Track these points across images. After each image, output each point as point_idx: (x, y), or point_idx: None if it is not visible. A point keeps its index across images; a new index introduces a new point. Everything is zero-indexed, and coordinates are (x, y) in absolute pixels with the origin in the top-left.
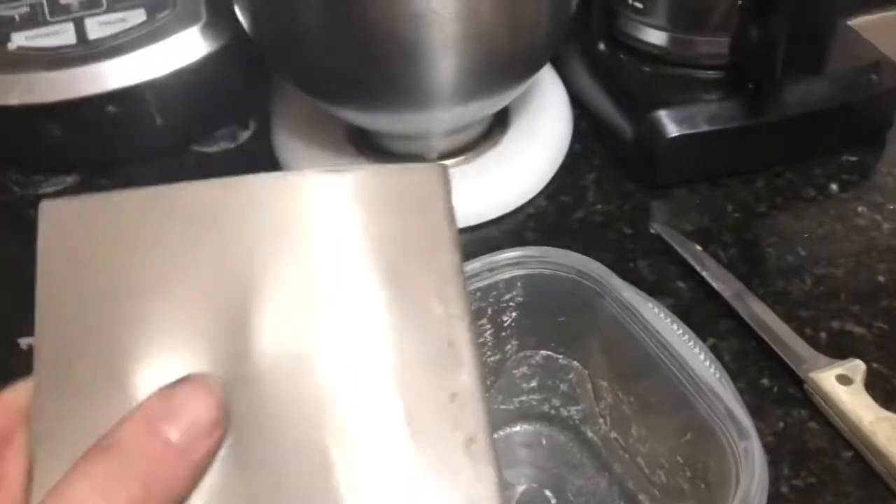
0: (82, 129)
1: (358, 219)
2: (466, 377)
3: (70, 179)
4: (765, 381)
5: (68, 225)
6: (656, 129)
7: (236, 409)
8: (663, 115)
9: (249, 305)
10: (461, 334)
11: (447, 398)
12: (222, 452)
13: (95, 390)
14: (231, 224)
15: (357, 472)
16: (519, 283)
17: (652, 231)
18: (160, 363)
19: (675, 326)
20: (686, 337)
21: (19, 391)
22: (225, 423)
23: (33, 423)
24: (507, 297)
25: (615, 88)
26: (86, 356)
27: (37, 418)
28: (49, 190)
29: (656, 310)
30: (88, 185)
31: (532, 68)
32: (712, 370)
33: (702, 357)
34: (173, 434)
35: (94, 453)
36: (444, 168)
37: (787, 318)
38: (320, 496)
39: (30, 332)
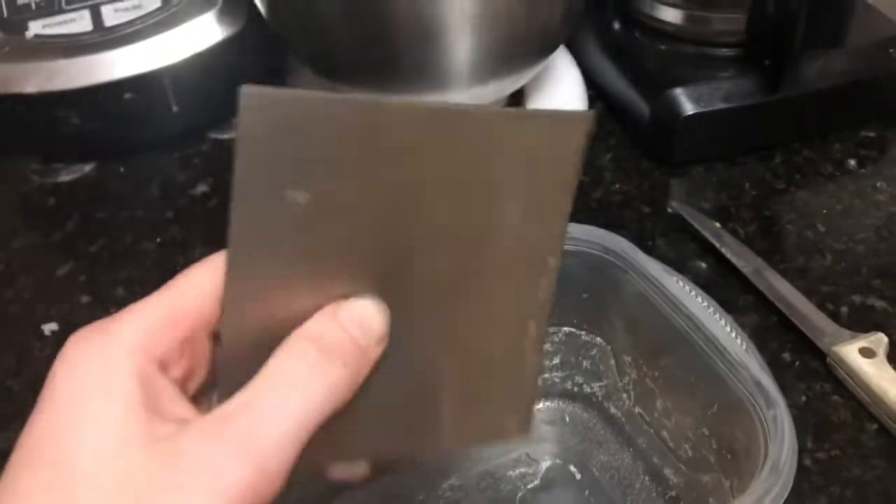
0: (100, 117)
1: (511, 160)
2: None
3: (88, 168)
4: (786, 356)
5: (267, 115)
6: (673, 107)
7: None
8: (679, 94)
9: (412, 234)
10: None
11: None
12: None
13: (278, 289)
14: (415, 154)
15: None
16: None
17: (670, 210)
18: (338, 275)
19: (699, 299)
20: (711, 309)
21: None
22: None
23: (223, 310)
24: None
25: (631, 67)
26: (273, 255)
27: (227, 308)
28: (67, 178)
29: (681, 283)
30: (105, 172)
31: (549, 48)
32: (738, 341)
33: (728, 329)
34: (358, 333)
35: (297, 340)
36: (589, 117)
37: (808, 294)
38: (418, 415)
39: (51, 318)
